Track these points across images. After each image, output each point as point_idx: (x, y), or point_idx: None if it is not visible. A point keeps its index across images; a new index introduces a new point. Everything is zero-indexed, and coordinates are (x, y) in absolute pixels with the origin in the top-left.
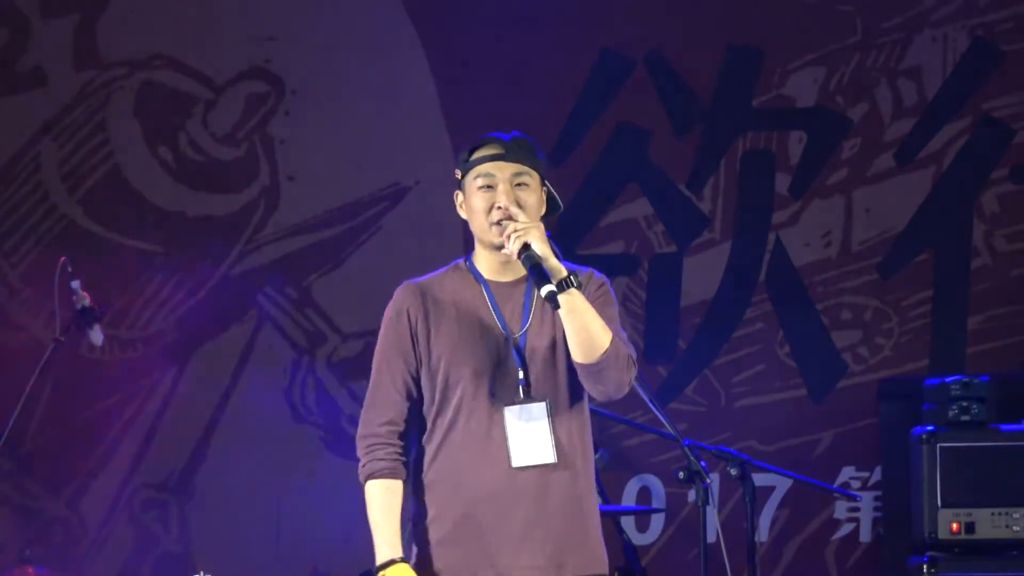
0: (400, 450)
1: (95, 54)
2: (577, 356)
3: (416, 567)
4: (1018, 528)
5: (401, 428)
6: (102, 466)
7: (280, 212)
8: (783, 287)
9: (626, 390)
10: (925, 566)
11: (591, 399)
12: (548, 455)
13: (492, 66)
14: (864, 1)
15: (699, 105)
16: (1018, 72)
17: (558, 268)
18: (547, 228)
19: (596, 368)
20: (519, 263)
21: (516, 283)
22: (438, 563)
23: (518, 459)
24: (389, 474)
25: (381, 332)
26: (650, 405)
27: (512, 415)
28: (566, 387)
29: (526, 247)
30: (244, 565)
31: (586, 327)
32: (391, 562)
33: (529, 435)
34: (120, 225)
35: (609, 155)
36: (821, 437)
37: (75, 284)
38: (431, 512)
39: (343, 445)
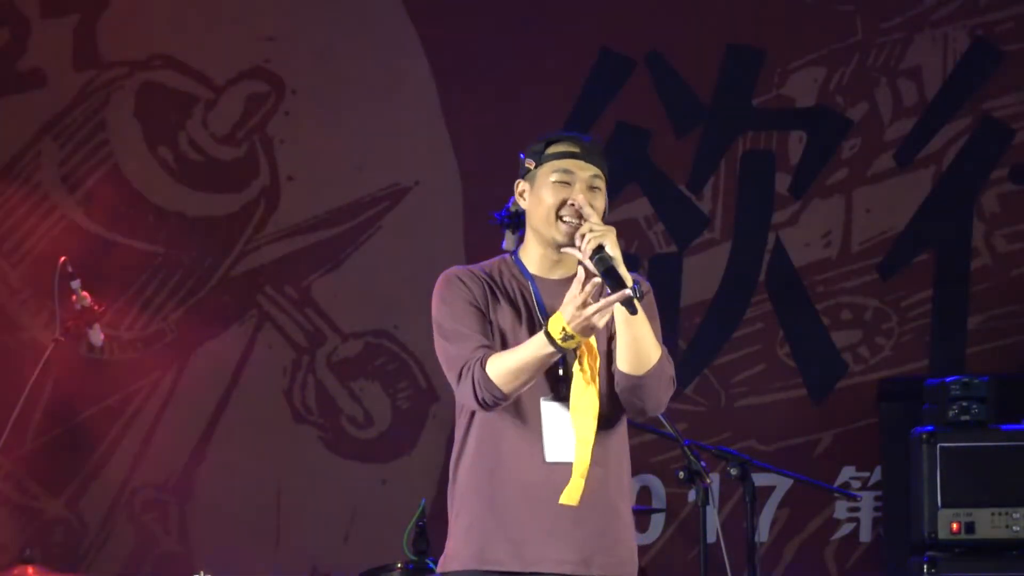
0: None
1: (95, 54)
2: (624, 366)
3: (448, 557)
4: (1018, 528)
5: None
6: (102, 466)
7: (280, 212)
8: (783, 287)
9: (662, 410)
10: (925, 566)
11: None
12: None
13: (492, 66)
14: (864, 1)
15: (699, 105)
16: (1018, 72)
17: (626, 275)
18: None
19: (640, 381)
20: (569, 262)
21: (563, 282)
22: (467, 551)
23: (552, 454)
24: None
25: (444, 298)
26: None
27: (550, 411)
28: (605, 390)
29: (600, 249)
30: (244, 565)
31: (640, 339)
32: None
33: (565, 432)
34: (120, 225)
35: (609, 155)
36: (821, 437)
37: (75, 284)
38: (465, 505)
39: (343, 445)
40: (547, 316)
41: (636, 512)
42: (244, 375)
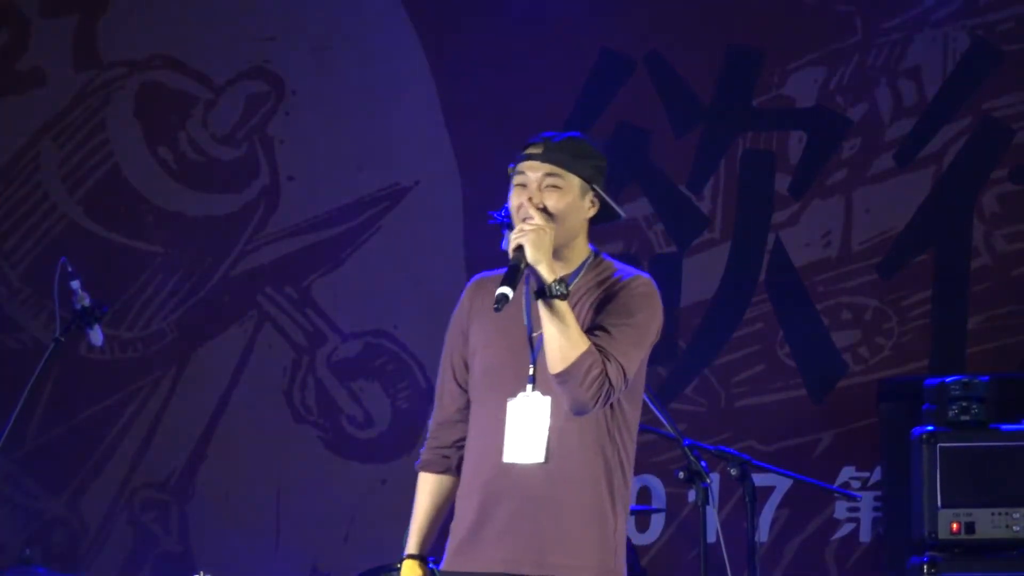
0: (445, 444)
1: (95, 54)
2: (547, 363)
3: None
4: (1018, 528)
5: (454, 420)
6: (102, 466)
7: (280, 212)
8: (783, 287)
9: (589, 409)
10: (925, 566)
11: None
12: (538, 454)
13: (492, 66)
14: (864, 1)
15: (699, 105)
16: (1018, 72)
17: (546, 275)
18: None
19: (558, 379)
20: (566, 259)
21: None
22: (449, 555)
23: (509, 455)
24: (426, 467)
25: (451, 320)
26: (650, 405)
27: (515, 409)
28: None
29: (519, 249)
30: (244, 565)
31: (555, 337)
32: (404, 556)
33: (525, 432)
34: (120, 225)
35: (609, 155)
36: (821, 437)
37: (75, 284)
38: (457, 504)
39: (343, 445)
40: (530, 318)
41: (636, 512)
42: (244, 375)
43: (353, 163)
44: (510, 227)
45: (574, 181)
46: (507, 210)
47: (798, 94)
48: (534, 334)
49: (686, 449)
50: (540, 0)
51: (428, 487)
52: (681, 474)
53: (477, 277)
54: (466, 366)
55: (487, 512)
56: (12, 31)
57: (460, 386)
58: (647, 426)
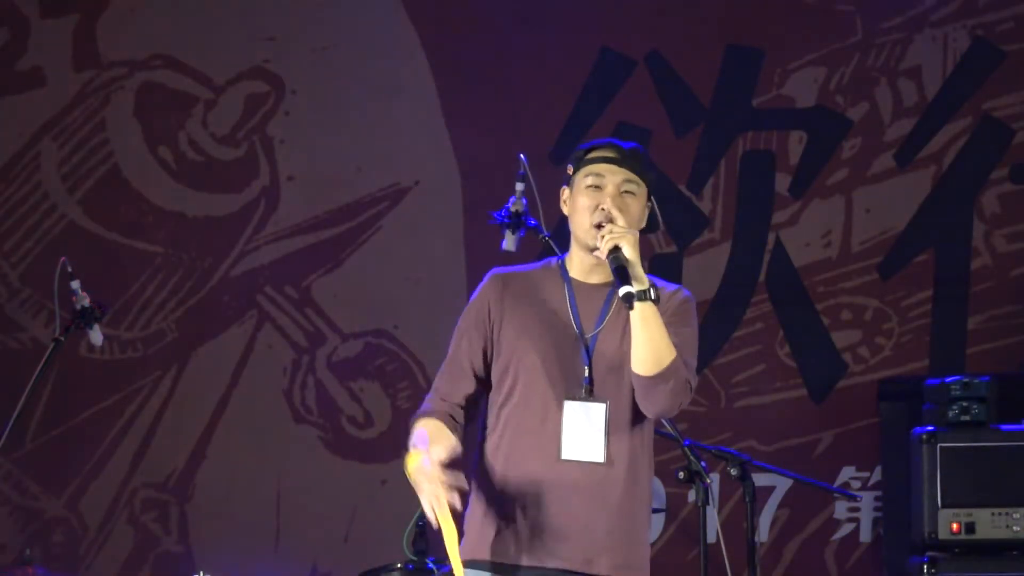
0: (453, 415)
1: (95, 54)
2: (637, 367)
3: (462, 550)
4: (1018, 528)
5: (459, 403)
6: (102, 466)
7: (280, 212)
8: (783, 287)
9: (675, 412)
10: (925, 566)
11: None
12: (598, 454)
13: (492, 66)
14: (864, 1)
15: (699, 105)
16: (1018, 72)
17: (642, 277)
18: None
19: (651, 382)
20: (608, 268)
21: (600, 286)
22: (479, 547)
23: (567, 452)
24: (435, 415)
25: (463, 313)
26: None
27: (571, 410)
28: (629, 395)
29: (616, 249)
30: (244, 565)
31: (652, 340)
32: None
33: (583, 432)
34: (120, 225)
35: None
36: (821, 437)
37: (75, 284)
38: (481, 497)
39: (343, 445)
40: (579, 320)
41: None
42: (244, 375)
43: (353, 163)
44: (511, 227)
45: (643, 191)
46: (507, 210)
47: (798, 94)
48: (587, 335)
49: (686, 449)
50: (540, 0)
51: (439, 421)
52: (681, 474)
53: (496, 271)
54: (486, 357)
55: (537, 508)
56: (12, 31)
57: (474, 375)
58: None
